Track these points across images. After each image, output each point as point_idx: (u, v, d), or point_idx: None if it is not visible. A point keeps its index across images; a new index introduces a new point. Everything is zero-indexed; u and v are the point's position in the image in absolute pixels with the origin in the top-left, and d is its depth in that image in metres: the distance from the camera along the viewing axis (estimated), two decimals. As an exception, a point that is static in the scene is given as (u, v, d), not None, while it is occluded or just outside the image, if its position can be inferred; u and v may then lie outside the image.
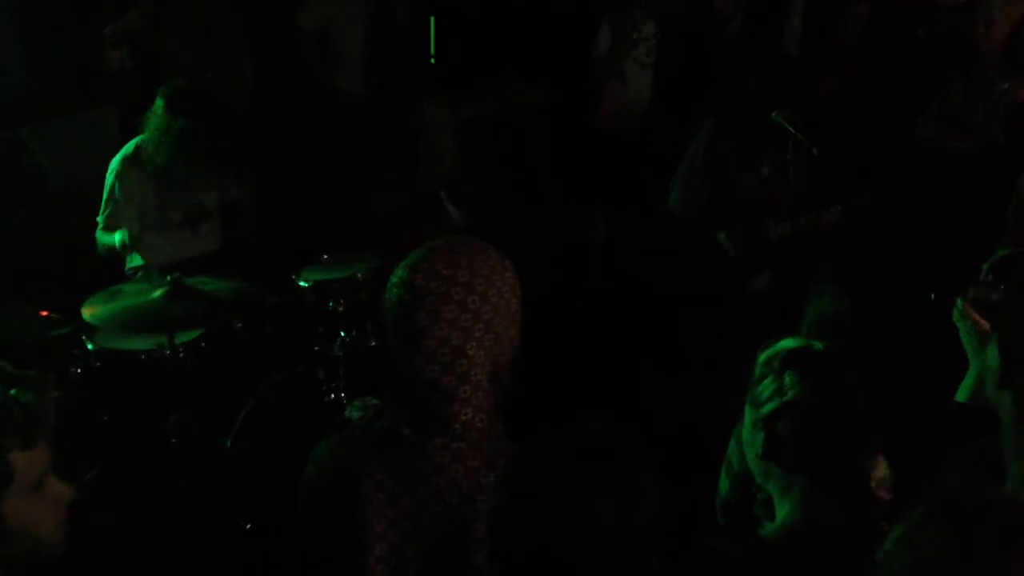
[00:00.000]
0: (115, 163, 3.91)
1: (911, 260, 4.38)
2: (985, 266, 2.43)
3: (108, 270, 3.98)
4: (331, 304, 3.82)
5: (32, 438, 1.57)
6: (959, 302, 2.05)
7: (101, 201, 3.97)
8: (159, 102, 3.89)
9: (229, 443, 3.36)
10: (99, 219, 3.95)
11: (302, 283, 3.86)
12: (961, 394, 1.96)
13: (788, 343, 1.89)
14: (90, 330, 3.46)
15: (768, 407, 1.81)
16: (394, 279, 1.70)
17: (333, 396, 3.71)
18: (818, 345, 1.86)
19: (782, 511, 1.82)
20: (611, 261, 5.38)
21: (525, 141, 5.85)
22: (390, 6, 5.73)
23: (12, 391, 1.60)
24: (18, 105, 5.11)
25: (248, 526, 3.32)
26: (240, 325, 3.72)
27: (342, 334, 3.80)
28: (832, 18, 4.87)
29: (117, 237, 3.86)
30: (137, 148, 3.91)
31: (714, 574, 1.72)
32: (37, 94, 5.30)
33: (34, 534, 1.61)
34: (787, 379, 1.81)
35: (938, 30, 4.88)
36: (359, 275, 3.85)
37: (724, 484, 2.46)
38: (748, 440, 1.90)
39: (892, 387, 2.21)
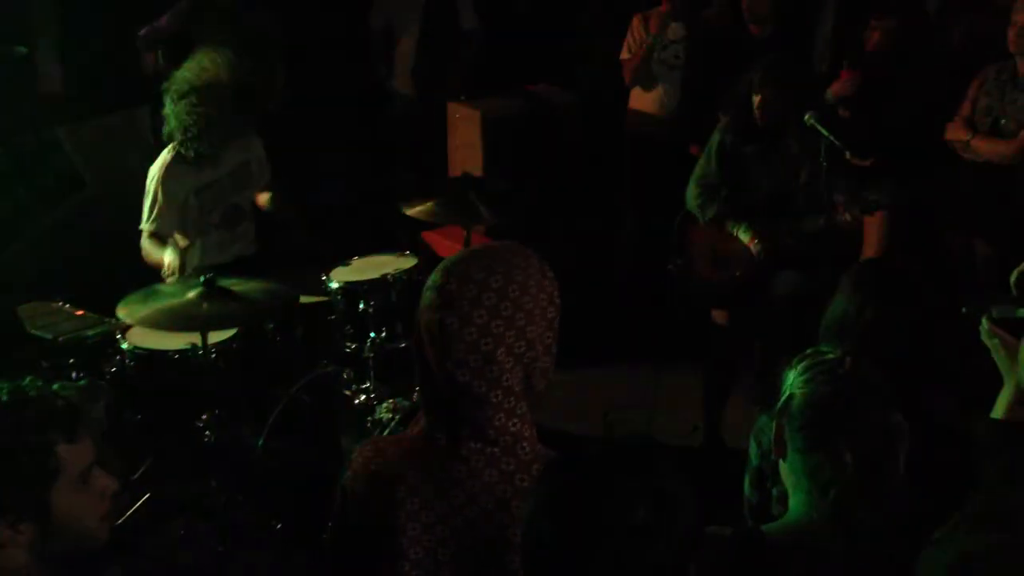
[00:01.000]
0: (156, 168, 3.93)
1: (940, 267, 4.36)
2: (1013, 278, 2.42)
3: (144, 269, 4.02)
4: (361, 305, 3.84)
5: (76, 431, 1.61)
6: (984, 322, 2.05)
7: (144, 208, 3.94)
8: (165, 98, 3.90)
9: (260, 443, 3.38)
10: (144, 226, 3.95)
11: (333, 284, 3.89)
12: (996, 411, 1.96)
13: (814, 348, 1.96)
14: (124, 329, 3.50)
15: (781, 400, 1.87)
16: (429, 283, 1.71)
17: (363, 397, 3.73)
18: (832, 352, 1.91)
19: (792, 502, 1.87)
20: (638, 263, 5.38)
21: (553, 143, 5.85)
22: (450, 11, 5.79)
23: (55, 386, 1.64)
24: (54, 105, 5.18)
25: (279, 526, 3.34)
26: (271, 326, 3.75)
27: (372, 335, 3.82)
28: (859, 27, 4.86)
29: (167, 257, 3.77)
30: (176, 150, 3.93)
31: (707, 559, 1.74)
32: (73, 95, 5.37)
33: (80, 526, 1.65)
34: (796, 370, 1.88)
35: (969, 32, 4.85)
36: (389, 277, 3.87)
37: (746, 484, 2.49)
38: (768, 442, 1.95)
39: (918, 394, 2.20)
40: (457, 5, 5.85)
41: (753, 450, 2.47)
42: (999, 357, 2.00)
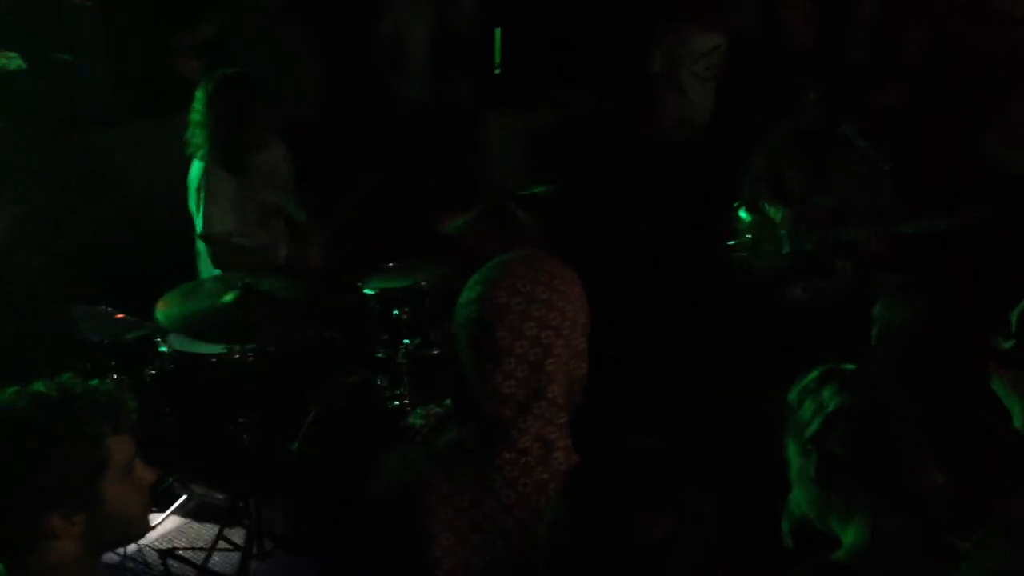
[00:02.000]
0: (198, 172, 3.97)
1: (981, 277, 4.30)
2: (1014, 317, 2.38)
3: (182, 272, 4.07)
4: (395, 312, 3.87)
5: (120, 423, 1.65)
6: (992, 377, 2.02)
7: (199, 215, 3.99)
8: (199, 95, 3.96)
9: (296, 446, 3.41)
10: (199, 229, 3.99)
11: (368, 291, 3.92)
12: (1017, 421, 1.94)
13: (817, 370, 1.87)
14: (163, 333, 3.54)
15: (813, 426, 1.78)
16: (471, 296, 1.70)
17: (396, 403, 3.75)
18: (850, 366, 1.84)
19: (848, 537, 1.78)
20: (668, 272, 5.36)
21: (587, 152, 5.86)
22: (457, 14, 5.80)
23: (93, 382, 1.68)
24: (97, 111, 5.25)
25: (312, 529, 3.36)
26: (307, 331, 3.77)
27: (406, 341, 3.84)
28: (893, 38, 4.83)
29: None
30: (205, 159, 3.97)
31: None
32: (116, 102, 5.44)
33: (127, 517, 1.68)
34: (826, 393, 1.79)
35: (1001, 44, 4.80)
36: (423, 283, 3.89)
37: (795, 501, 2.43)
38: (797, 475, 1.87)
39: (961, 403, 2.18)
40: (463, 11, 5.79)
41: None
42: (1008, 399, 1.97)
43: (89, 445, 1.61)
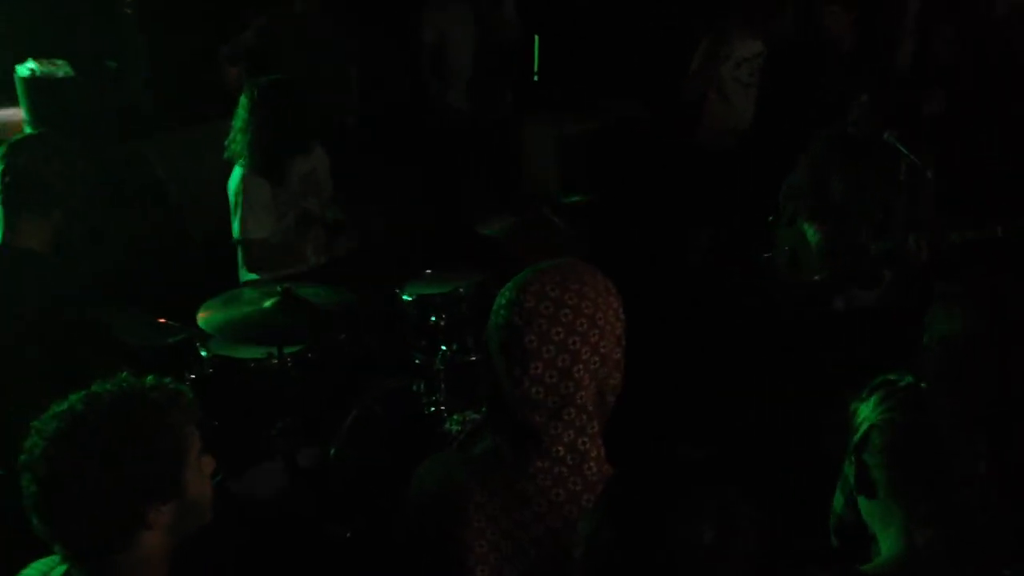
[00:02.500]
0: (237, 178, 4.02)
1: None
2: None
3: (221, 280, 4.11)
4: (433, 318, 3.88)
5: (190, 414, 1.68)
6: None
7: (232, 224, 4.04)
8: (242, 100, 4.00)
9: (333, 452, 3.42)
10: (235, 235, 4.03)
11: (405, 297, 3.93)
12: None
13: (883, 376, 1.87)
14: (204, 337, 3.57)
15: (857, 434, 1.80)
16: (502, 300, 1.71)
17: (433, 409, 3.75)
18: (909, 378, 1.83)
19: (884, 545, 1.77)
20: (710, 279, 5.33)
21: (626, 159, 5.84)
22: (500, 22, 5.82)
23: (149, 379, 1.71)
24: (141, 118, 5.33)
25: (349, 535, 3.37)
26: (345, 337, 3.80)
27: (443, 348, 3.84)
28: (929, 39, 4.78)
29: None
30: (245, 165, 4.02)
31: None
32: (159, 109, 5.52)
33: (202, 503, 1.72)
34: (871, 403, 1.80)
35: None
36: (461, 290, 3.90)
37: (839, 501, 2.41)
38: (850, 482, 1.87)
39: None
40: (505, 18, 5.81)
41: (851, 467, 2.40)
42: None
43: (173, 434, 1.65)
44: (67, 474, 1.57)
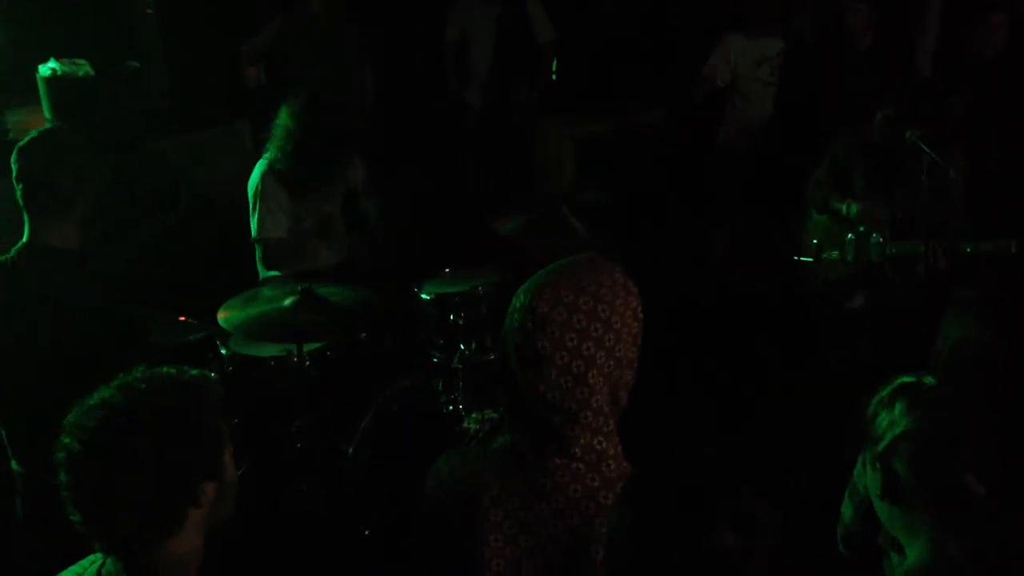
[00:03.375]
0: (256, 179, 4.04)
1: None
2: None
3: (242, 276, 4.13)
4: (452, 317, 3.88)
5: (219, 400, 1.73)
6: None
7: (250, 224, 4.06)
8: (283, 112, 4.01)
9: (351, 450, 3.43)
10: (252, 233, 4.04)
11: (424, 296, 3.94)
12: None
13: (901, 379, 1.85)
14: (224, 335, 3.59)
15: (883, 442, 1.77)
16: (516, 304, 1.71)
17: (451, 408, 3.75)
18: (929, 379, 1.81)
19: (912, 553, 1.75)
20: (728, 279, 5.31)
21: (643, 159, 5.83)
22: (524, 24, 5.82)
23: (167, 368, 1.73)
24: (160, 119, 5.35)
25: (367, 532, 3.38)
26: (364, 335, 3.80)
27: (462, 347, 3.85)
28: (970, 30, 4.71)
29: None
30: (270, 160, 4.04)
31: None
32: (178, 109, 5.54)
33: (234, 488, 1.76)
34: (897, 410, 1.78)
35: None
36: (480, 289, 3.90)
37: (847, 510, 2.39)
38: (870, 483, 1.85)
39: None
40: (532, 18, 5.85)
41: (861, 476, 2.38)
42: None
43: (215, 414, 1.69)
44: (121, 462, 1.58)
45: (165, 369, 1.72)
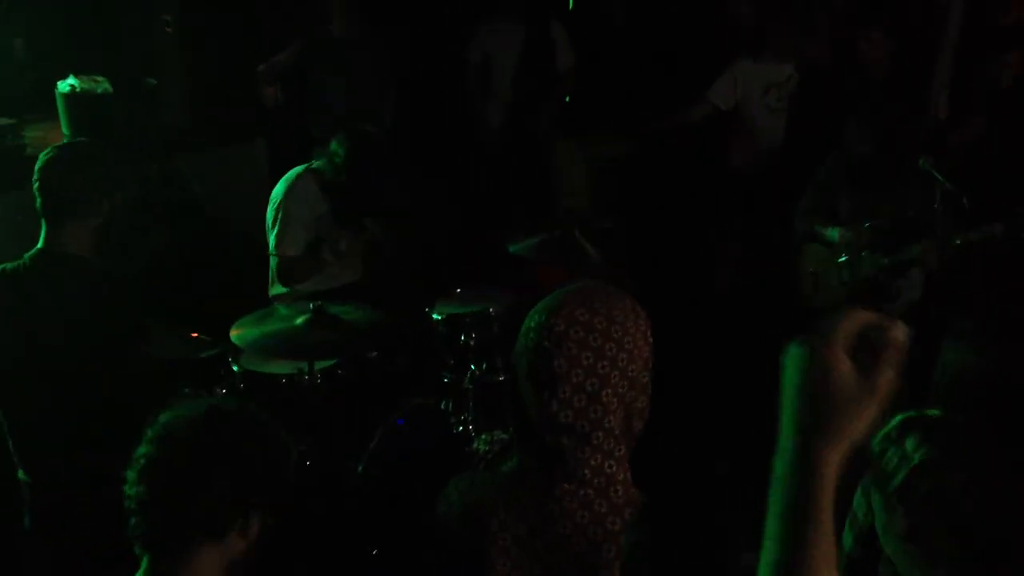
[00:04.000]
0: (280, 193, 4.05)
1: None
2: None
3: (254, 295, 4.14)
4: (463, 337, 3.89)
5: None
6: None
7: (268, 237, 4.06)
8: (336, 146, 3.98)
9: (361, 468, 3.43)
10: (270, 247, 4.04)
11: (436, 316, 3.95)
12: None
13: (903, 415, 1.83)
14: (236, 352, 3.60)
15: (897, 479, 1.75)
16: (531, 324, 1.72)
17: (461, 428, 3.75)
18: (933, 412, 1.80)
19: None
20: (739, 302, 5.31)
21: (655, 183, 5.84)
22: (547, 48, 5.87)
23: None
24: (178, 136, 5.39)
25: (375, 551, 3.37)
26: (375, 354, 3.81)
27: (472, 367, 3.85)
28: (984, 65, 4.73)
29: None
30: (299, 177, 4.04)
31: None
32: (196, 126, 5.58)
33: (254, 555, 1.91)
34: (909, 444, 1.75)
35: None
36: (491, 310, 3.91)
37: (847, 539, 2.38)
38: (882, 526, 1.82)
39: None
40: (554, 42, 5.91)
41: (861, 505, 2.38)
42: None
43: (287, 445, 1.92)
44: (199, 473, 1.77)
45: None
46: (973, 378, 2.29)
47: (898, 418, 1.83)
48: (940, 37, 5.16)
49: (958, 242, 3.87)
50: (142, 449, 1.79)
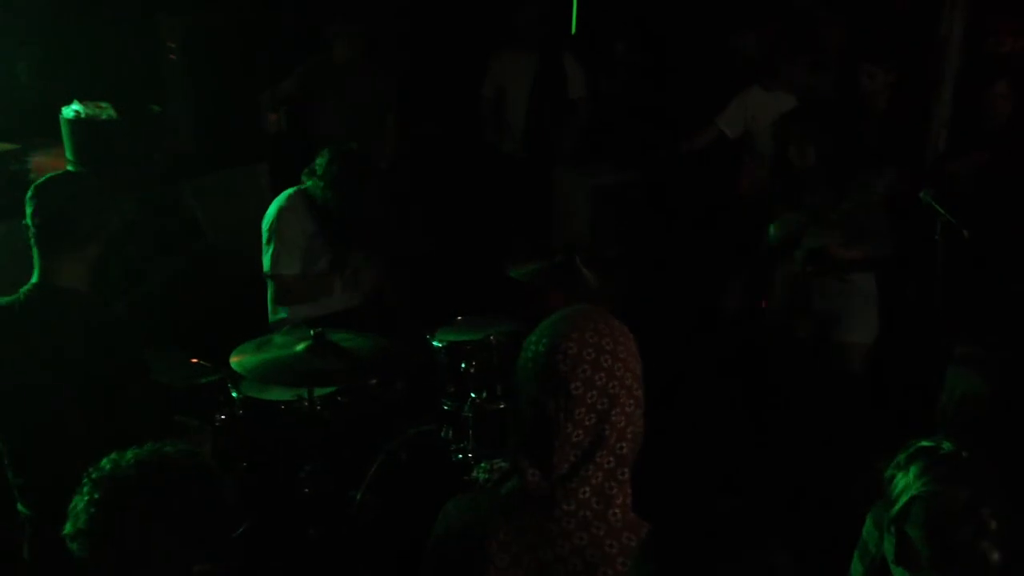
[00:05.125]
0: (273, 214, 4.07)
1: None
2: None
3: (256, 321, 4.14)
4: (463, 365, 3.88)
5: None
6: None
7: (263, 259, 4.08)
8: (321, 160, 4.02)
9: (359, 496, 3.42)
10: (264, 268, 4.07)
11: (436, 343, 3.95)
12: None
13: (919, 443, 1.84)
14: (236, 378, 3.60)
15: (897, 506, 1.77)
16: (539, 349, 1.72)
17: (461, 456, 3.74)
18: (948, 444, 1.80)
19: None
20: (742, 328, 5.30)
21: (659, 209, 5.86)
22: (559, 80, 5.93)
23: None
24: (183, 161, 5.41)
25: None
26: (375, 382, 3.81)
27: (472, 395, 3.84)
28: (979, 97, 4.77)
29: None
30: (290, 198, 4.07)
31: None
32: (200, 153, 5.61)
33: None
34: (912, 473, 1.77)
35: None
36: (492, 338, 3.90)
37: (857, 569, 2.37)
38: (886, 547, 1.83)
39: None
40: (567, 75, 5.97)
41: (872, 534, 2.36)
42: None
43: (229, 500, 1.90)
44: (133, 529, 1.74)
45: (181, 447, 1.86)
46: (980, 405, 2.30)
47: (913, 446, 1.83)
48: (939, 69, 5.19)
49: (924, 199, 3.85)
50: (79, 502, 1.78)
